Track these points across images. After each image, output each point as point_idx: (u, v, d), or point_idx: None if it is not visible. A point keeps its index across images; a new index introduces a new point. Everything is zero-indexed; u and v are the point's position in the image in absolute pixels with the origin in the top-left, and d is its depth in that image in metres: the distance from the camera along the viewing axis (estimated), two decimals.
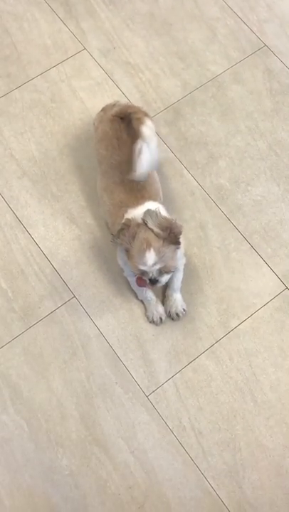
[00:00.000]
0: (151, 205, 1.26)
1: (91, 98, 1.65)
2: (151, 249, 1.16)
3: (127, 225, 1.19)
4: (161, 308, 1.40)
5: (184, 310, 1.40)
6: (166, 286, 1.40)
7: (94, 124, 1.45)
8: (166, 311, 1.39)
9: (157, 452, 1.31)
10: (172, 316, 1.39)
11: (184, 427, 1.32)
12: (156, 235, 1.16)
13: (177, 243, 1.21)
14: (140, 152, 1.23)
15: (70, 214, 1.53)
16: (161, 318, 1.38)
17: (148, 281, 1.25)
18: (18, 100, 1.67)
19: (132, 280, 1.37)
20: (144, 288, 1.37)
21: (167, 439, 1.32)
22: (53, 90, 1.68)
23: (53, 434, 1.32)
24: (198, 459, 1.31)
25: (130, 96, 1.67)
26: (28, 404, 1.34)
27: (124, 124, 1.33)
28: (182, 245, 1.28)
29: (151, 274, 1.21)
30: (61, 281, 1.46)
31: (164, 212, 1.26)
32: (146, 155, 1.24)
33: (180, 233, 1.20)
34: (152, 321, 1.39)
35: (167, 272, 1.23)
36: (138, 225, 1.19)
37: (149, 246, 1.16)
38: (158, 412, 1.34)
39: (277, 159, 1.61)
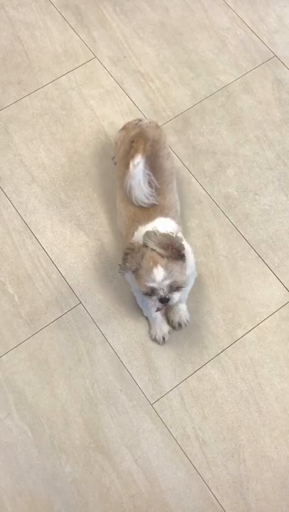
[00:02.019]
0: (161, 221, 1.25)
1: (101, 106, 1.66)
2: (159, 266, 1.15)
3: (132, 248, 1.18)
4: (165, 328, 1.37)
5: (188, 321, 1.38)
6: None
7: (116, 143, 1.42)
8: (169, 320, 1.37)
9: (161, 461, 1.30)
10: (175, 326, 1.37)
11: (188, 436, 1.31)
12: (160, 254, 1.16)
13: (182, 258, 1.18)
14: (128, 186, 1.28)
15: (78, 221, 1.53)
16: (164, 338, 1.36)
17: (158, 301, 1.18)
18: (28, 107, 1.68)
19: (139, 296, 1.33)
20: (149, 305, 1.34)
21: (171, 447, 1.31)
22: (63, 98, 1.70)
23: (56, 440, 1.32)
24: (202, 469, 1.30)
25: (140, 104, 1.68)
26: (32, 409, 1.34)
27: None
28: (192, 259, 1.27)
29: (161, 292, 1.17)
30: (68, 287, 1.46)
31: (174, 226, 1.25)
32: (133, 189, 1.28)
33: (181, 247, 1.18)
34: (155, 340, 1.36)
35: (178, 289, 1.19)
36: (142, 251, 1.17)
37: (156, 263, 1.15)
38: (162, 420, 1.33)
39: (286, 169, 1.61)
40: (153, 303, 1.21)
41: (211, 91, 1.70)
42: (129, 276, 1.30)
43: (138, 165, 1.26)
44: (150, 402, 1.34)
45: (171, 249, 1.16)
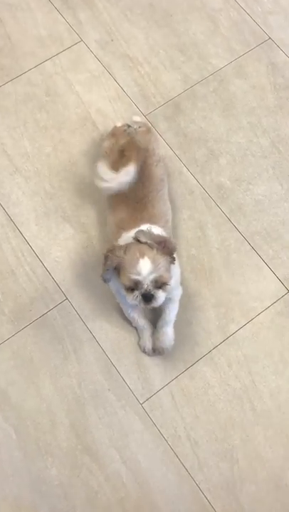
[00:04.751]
0: (146, 227, 1.20)
1: (87, 92, 1.59)
2: (146, 258, 1.10)
3: (111, 249, 1.14)
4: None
5: (169, 348, 1.29)
6: (159, 316, 1.32)
7: (105, 153, 1.35)
8: (152, 342, 1.30)
9: (151, 462, 1.25)
10: (157, 349, 1.29)
11: (179, 436, 1.26)
12: (150, 246, 1.11)
13: (171, 256, 1.14)
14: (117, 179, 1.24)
15: (63, 212, 1.46)
16: (154, 350, 1.30)
17: (141, 297, 1.13)
18: (11, 94, 1.61)
19: (126, 308, 1.28)
20: (136, 316, 1.29)
21: (161, 448, 1.26)
22: (47, 83, 1.62)
23: (42, 442, 1.27)
24: (194, 470, 1.25)
25: (128, 90, 1.60)
26: (16, 410, 1.28)
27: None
28: (179, 273, 1.23)
29: (146, 286, 1.11)
30: (53, 282, 1.40)
31: (161, 232, 1.21)
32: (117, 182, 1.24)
33: (174, 249, 1.14)
34: (144, 352, 1.31)
35: (163, 286, 1.13)
36: (127, 245, 1.13)
37: (142, 255, 1.10)
38: (152, 420, 1.28)
39: (281, 157, 1.54)
40: (134, 299, 1.15)
41: (202, 75, 1.63)
42: (114, 285, 1.24)
43: (129, 174, 1.22)
44: (140, 401, 1.29)
45: (164, 245, 1.12)
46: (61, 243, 1.43)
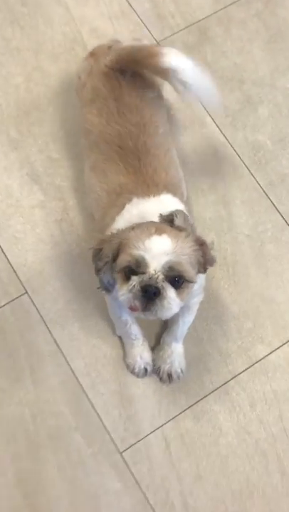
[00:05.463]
0: (170, 201, 0.88)
1: (80, 5, 1.23)
2: (164, 235, 0.75)
3: (104, 239, 0.80)
4: (148, 355, 0.97)
5: (182, 372, 0.97)
6: (164, 329, 1.00)
7: (79, 77, 1.02)
8: (155, 363, 0.98)
9: None
10: (162, 375, 0.97)
11: (172, 503, 0.93)
12: (181, 229, 0.78)
13: (203, 265, 0.81)
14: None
15: (32, 169, 1.10)
16: (146, 370, 0.97)
17: (141, 288, 0.74)
18: None
19: (113, 306, 0.93)
20: (128, 320, 0.93)
21: None
22: None
23: None
24: None
25: (138, 5, 1.24)
26: None
27: (126, 78, 0.95)
28: (203, 276, 0.89)
29: (153, 272, 0.73)
30: (9, 268, 1.04)
31: (187, 214, 0.87)
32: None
33: (211, 262, 0.81)
34: (133, 372, 0.98)
35: (179, 281, 0.76)
36: (137, 224, 0.79)
37: (161, 231, 0.75)
38: (135, 477, 0.94)
39: None
40: (129, 290, 0.74)
41: None
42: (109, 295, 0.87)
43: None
44: (119, 449, 0.95)
45: (200, 246, 0.79)
46: (25, 212, 1.08)
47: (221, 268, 1.04)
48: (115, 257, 0.77)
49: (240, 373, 0.99)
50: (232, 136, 1.14)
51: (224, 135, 1.13)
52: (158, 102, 0.98)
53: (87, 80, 0.97)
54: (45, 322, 1.00)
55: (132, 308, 0.75)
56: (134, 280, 0.74)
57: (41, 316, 1.00)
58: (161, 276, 0.73)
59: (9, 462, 0.93)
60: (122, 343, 0.98)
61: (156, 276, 0.73)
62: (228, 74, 1.18)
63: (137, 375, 0.96)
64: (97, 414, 0.95)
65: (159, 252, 0.73)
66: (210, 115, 1.14)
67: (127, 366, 0.97)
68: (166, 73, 0.92)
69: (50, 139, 1.11)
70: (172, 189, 0.90)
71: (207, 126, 1.14)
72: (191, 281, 0.76)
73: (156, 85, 1.00)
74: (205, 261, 0.79)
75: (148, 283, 0.73)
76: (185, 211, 0.86)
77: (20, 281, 1.01)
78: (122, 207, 0.85)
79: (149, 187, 0.87)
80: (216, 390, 0.98)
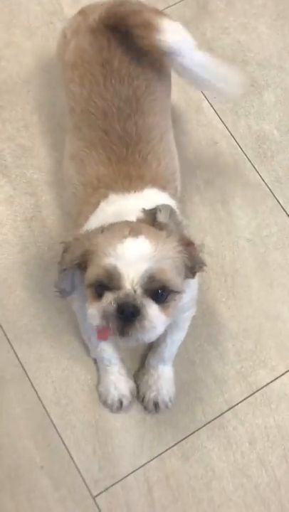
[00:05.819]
0: (156, 196, 0.75)
1: None
2: (141, 236, 0.62)
3: (77, 239, 0.66)
4: (124, 385, 0.83)
5: (171, 401, 0.84)
6: (149, 349, 0.87)
7: (64, 35, 0.84)
8: (139, 392, 0.85)
9: None
10: (146, 404, 0.84)
11: None
12: (163, 228, 0.65)
13: (192, 267, 0.67)
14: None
15: (0, 159, 0.95)
16: (121, 402, 0.83)
17: (117, 308, 0.60)
18: None
19: (86, 327, 0.79)
20: (103, 342, 0.79)
21: None
22: None
23: None
24: None
25: None
26: None
27: (116, 38, 0.77)
28: (196, 287, 0.78)
29: (129, 286, 0.60)
30: None
31: (177, 211, 0.74)
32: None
33: (201, 265, 0.67)
34: (105, 403, 0.84)
35: (163, 294, 0.62)
36: (109, 224, 0.67)
37: (137, 233, 0.62)
38: None
39: None
40: (103, 308, 0.61)
41: None
42: (76, 301, 0.76)
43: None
44: (92, 493, 0.81)
45: (186, 246, 0.66)
46: None
47: (218, 278, 0.90)
48: (81, 266, 0.62)
49: (238, 403, 0.85)
50: (233, 125, 1.00)
51: (224, 123, 1.00)
52: (159, 69, 0.80)
53: (72, 38, 0.80)
54: (8, 339, 0.86)
55: (102, 334, 0.60)
56: (108, 297, 0.60)
57: (4, 332, 0.86)
58: (139, 290, 0.59)
59: None
60: (97, 366, 0.84)
61: (133, 291, 0.59)
62: (229, 53, 1.04)
63: (110, 409, 0.82)
64: (67, 450, 0.81)
65: (134, 258, 0.59)
66: (207, 99, 1.00)
67: (99, 396, 0.83)
68: (163, 53, 0.76)
69: (22, 125, 0.97)
70: (162, 182, 0.77)
71: (204, 112, 1.00)
72: (177, 292, 0.62)
73: (160, 47, 0.80)
74: (193, 264, 0.65)
75: (124, 301, 0.58)
76: (176, 208, 0.71)
77: None
78: (97, 204, 0.70)
79: (132, 180, 0.73)
80: (209, 422, 0.84)
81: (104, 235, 0.62)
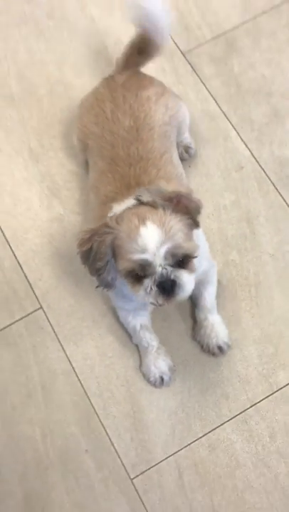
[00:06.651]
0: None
1: (105, 16, 1.20)
2: (148, 222, 0.73)
3: (89, 230, 0.77)
4: (163, 363, 0.93)
5: (228, 342, 0.94)
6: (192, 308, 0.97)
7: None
8: (201, 343, 0.96)
9: None
10: (212, 351, 0.95)
11: None
12: (153, 204, 0.75)
13: (191, 217, 0.77)
14: None
15: (52, 183, 1.07)
16: (162, 378, 0.93)
17: (158, 286, 0.74)
18: (1, 13, 1.18)
19: (124, 314, 0.92)
20: (137, 326, 0.91)
21: None
22: (52, 2, 1.18)
23: None
24: None
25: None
26: None
27: (122, 79, 0.94)
28: (207, 245, 0.90)
29: (160, 267, 0.73)
30: (25, 281, 1.01)
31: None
32: None
33: (196, 207, 0.76)
34: (149, 382, 0.94)
35: (186, 261, 0.75)
36: (118, 214, 0.77)
37: (143, 220, 0.73)
38: (145, 506, 0.89)
39: None
40: (147, 293, 0.74)
41: (272, 2, 1.17)
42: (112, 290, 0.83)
43: None
44: (130, 475, 0.90)
45: (177, 202, 0.76)
46: (43, 226, 1.05)
47: (243, 289, 0.98)
48: (113, 254, 0.74)
49: (260, 401, 0.93)
50: (258, 151, 1.07)
51: (249, 150, 1.07)
52: (156, 100, 0.92)
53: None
54: (58, 338, 0.96)
55: (155, 304, 0.75)
56: (148, 283, 0.73)
57: (55, 332, 0.97)
58: (170, 269, 0.72)
59: (17, 482, 0.89)
60: (138, 358, 0.94)
61: (166, 271, 0.72)
62: (255, 86, 1.12)
63: (154, 385, 0.92)
64: (109, 437, 0.91)
65: (155, 246, 0.71)
66: (235, 129, 1.08)
67: (143, 375, 0.94)
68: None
69: (71, 153, 1.07)
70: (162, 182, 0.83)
71: (232, 140, 1.08)
72: (194, 254, 0.75)
73: (157, 82, 0.95)
74: (193, 215, 0.75)
75: (162, 280, 0.72)
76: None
77: (35, 296, 0.98)
78: (105, 217, 0.80)
79: (130, 189, 0.83)
80: (233, 417, 0.92)
81: (120, 225, 0.73)
